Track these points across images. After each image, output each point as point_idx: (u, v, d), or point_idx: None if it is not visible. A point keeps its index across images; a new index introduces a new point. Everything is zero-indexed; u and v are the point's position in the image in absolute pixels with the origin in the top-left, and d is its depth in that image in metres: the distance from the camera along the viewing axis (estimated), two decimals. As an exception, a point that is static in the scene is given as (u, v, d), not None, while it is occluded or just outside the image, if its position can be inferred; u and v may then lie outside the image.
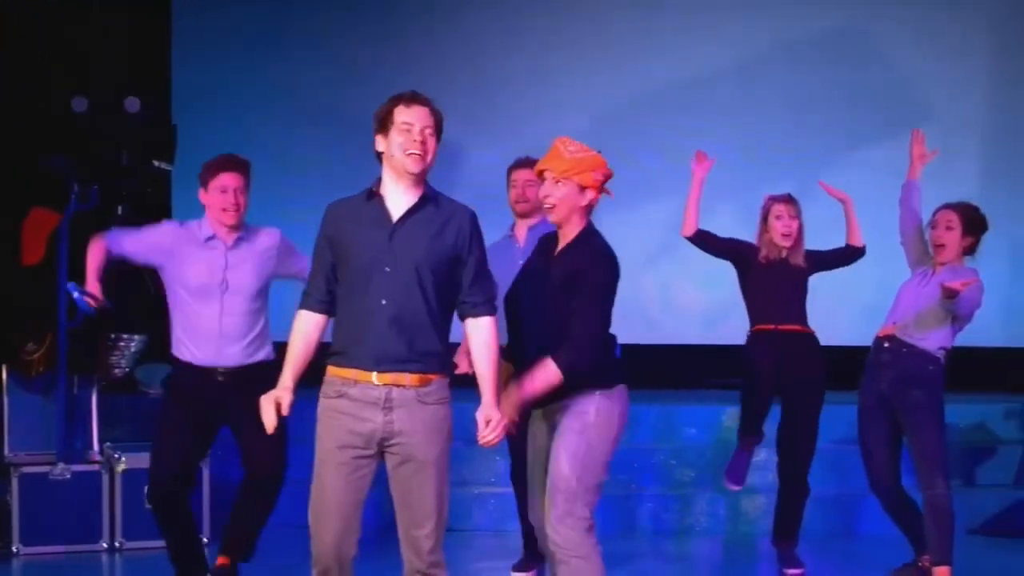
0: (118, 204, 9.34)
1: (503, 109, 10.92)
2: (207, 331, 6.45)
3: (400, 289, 4.96)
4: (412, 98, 5.09)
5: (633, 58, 10.88)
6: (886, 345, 7.06)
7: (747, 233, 7.62)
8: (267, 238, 6.61)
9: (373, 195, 5.09)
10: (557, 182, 5.46)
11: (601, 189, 5.50)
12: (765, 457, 7.80)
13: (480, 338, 5.11)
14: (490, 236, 7.70)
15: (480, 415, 5.06)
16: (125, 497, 7.98)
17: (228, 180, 6.48)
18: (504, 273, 7.42)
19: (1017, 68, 10.87)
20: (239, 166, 6.53)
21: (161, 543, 6.59)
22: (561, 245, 5.54)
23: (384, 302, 4.96)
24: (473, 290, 5.12)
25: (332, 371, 5.05)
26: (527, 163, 7.52)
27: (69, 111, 9.56)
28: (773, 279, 7.45)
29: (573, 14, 11.06)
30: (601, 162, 5.49)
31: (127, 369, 9.40)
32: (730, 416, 8.98)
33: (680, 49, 10.89)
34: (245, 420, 6.17)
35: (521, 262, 7.34)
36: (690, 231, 7.56)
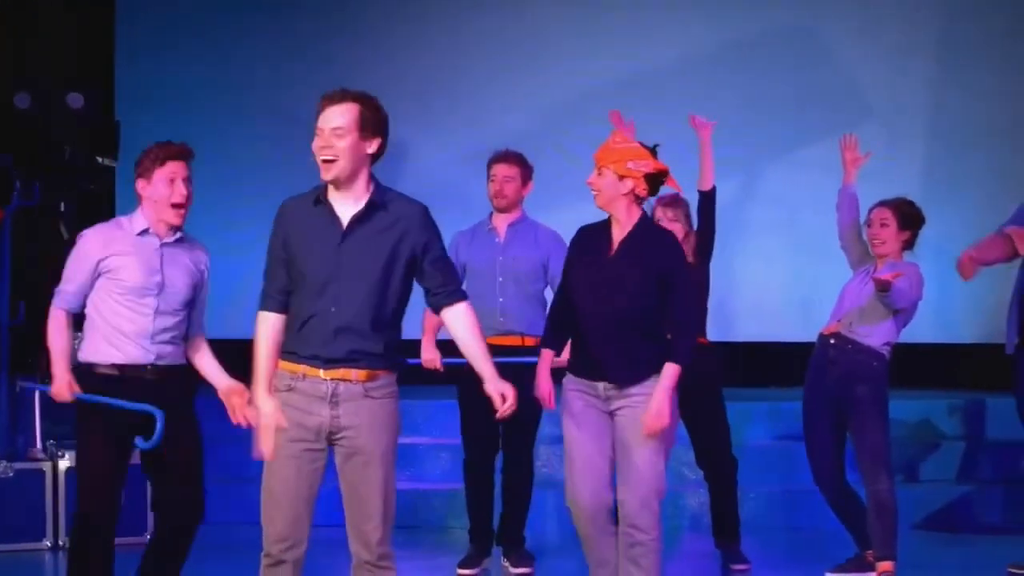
0: (61, 200, 9.26)
1: (452, 105, 10.91)
2: (139, 330, 5.82)
3: (348, 298, 4.93)
4: (324, 98, 4.98)
5: (581, 57, 10.89)
6: (832, 342, 7.11)
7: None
8: (203, 254, 6.00)
9: (320, 200, 5.01)
10: (599, 171, 5.85)
11: (650, 180, 5.82)
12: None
13: (465, 323, 5.10)
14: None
15: (493, 390, 5.05)
16: (69, 495, 7.91)
17: (176, 169, 5.84)
18: (481, 262, 7.45)
19: (961, 69, 10.94)
20: (187, 154, 5.90)
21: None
22: (620, 236, 5.85)
23: (333, 309, 4.94)
24: (445, 282, 5.07)
25: (282, 365, 5.02)
26: (506, 157, 7.47)
27: (11, 106, 9.49)
28: None
29: (521, 12, 11.06)
30: (642, 153, 5.83)
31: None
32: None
33: (626, 48, 10.91)
34: (168, 438, 5.78)
35: (500, 258, 7.38)
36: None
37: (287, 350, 5.02)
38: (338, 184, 4.97)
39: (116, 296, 5.83)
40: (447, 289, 5.08)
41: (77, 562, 5.91)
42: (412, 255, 4.99)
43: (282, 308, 5.06)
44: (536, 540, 7.85)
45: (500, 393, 5.06)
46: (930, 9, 11.05)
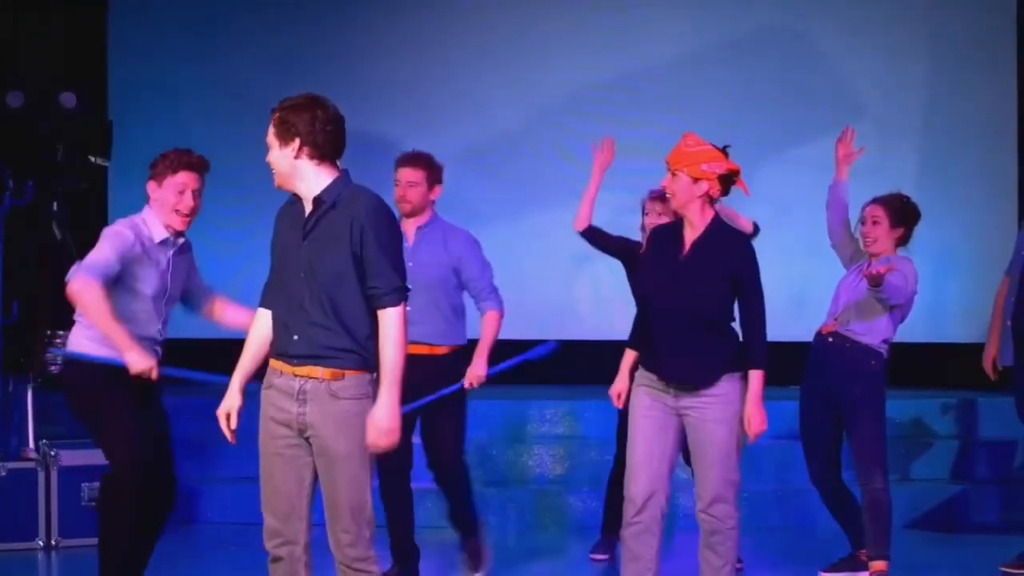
0: (53, 200, 9.26)
1: (445, 104, 10.90)
2: (148, 336, 6.01)
3: (307, 293, 4.92)
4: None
5: (569, 55, 10.89)
6: (830, 340, 7.10)
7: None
8: (188, 246, 6.20)
9: (294, 200, 5.05)
10: (673, 175, 5.90)
11: (723, 181, 5.87)
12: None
13: (382, 330, 4.91)
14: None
15: (369, 420, 4.85)
16: (61, 494, 7.93)
17: (188, 180, 5.98)
18: None
19: (953, 67, 10.95)
20: (202, 167, 6.04)
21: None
22: (692, 237, 5.92)
23: (297, 304, 4.94)
24: (376, 283, 4.90)
25: (270, 361, 5.05)
26: (410, 160, 7.01)
27: (4, 106, 9.49)
28: None
29: (509, 11, 11.06)
30: (715, 155, 5.88)
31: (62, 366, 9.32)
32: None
33: (616, 47, 10.91)
34: (153, 415, 6.08)
35: (410, 264, 6.74)
36: (581, 226, 7.55)
37: (271, 347, 5.05)
38: (286, 189, 5.03)
39: (129, 302, 5.97)
40: (377, 291, 4.90)
41: (132, 511, 5.98)
42: (355, 251, 4.90)
43: (268, 305, 5.10)
44: (529, 539, 7.85)
45: (375, 427, 4.84)
46: (922, 8, 11.06)
